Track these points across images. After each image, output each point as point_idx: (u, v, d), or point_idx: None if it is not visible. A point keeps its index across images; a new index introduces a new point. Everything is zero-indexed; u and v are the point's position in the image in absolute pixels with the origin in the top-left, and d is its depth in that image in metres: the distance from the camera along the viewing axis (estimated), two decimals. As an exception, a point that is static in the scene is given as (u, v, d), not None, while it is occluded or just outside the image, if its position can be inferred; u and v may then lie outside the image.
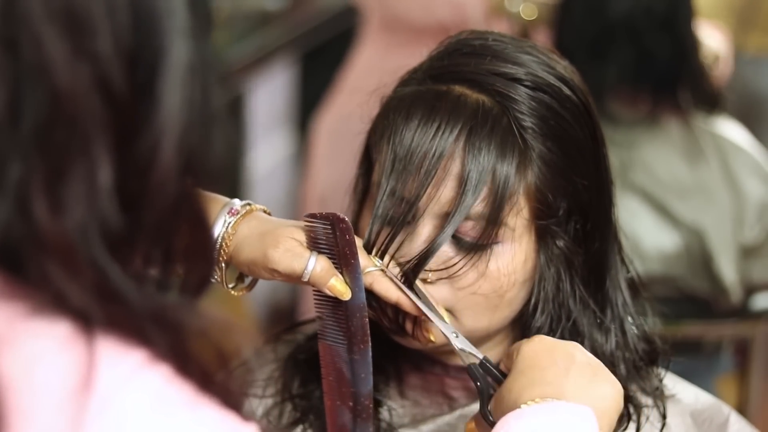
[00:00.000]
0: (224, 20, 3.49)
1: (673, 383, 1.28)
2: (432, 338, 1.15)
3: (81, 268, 0.73)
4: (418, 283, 1.16)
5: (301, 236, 1.13)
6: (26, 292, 0.74)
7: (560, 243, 1.19)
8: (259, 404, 1.26)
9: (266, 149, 3.91)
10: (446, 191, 1.15)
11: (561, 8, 2.27)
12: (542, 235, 1.18)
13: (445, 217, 1.15)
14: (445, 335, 1.14)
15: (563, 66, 1.21)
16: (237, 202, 1.17)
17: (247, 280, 1.19)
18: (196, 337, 0.76)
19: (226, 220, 1.15)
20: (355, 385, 1.13)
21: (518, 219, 1.16)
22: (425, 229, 1.16)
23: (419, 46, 1.26)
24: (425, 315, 1.13)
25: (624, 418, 1.20)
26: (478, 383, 1.10)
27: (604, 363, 1.19)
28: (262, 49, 3.46)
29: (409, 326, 1.16)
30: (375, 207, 1.16)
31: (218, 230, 1.15)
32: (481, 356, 1.12)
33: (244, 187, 3.69)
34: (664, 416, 1.23)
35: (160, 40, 0.75)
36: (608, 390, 1.06)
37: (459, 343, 1.14)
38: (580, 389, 1.04)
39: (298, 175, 3.69)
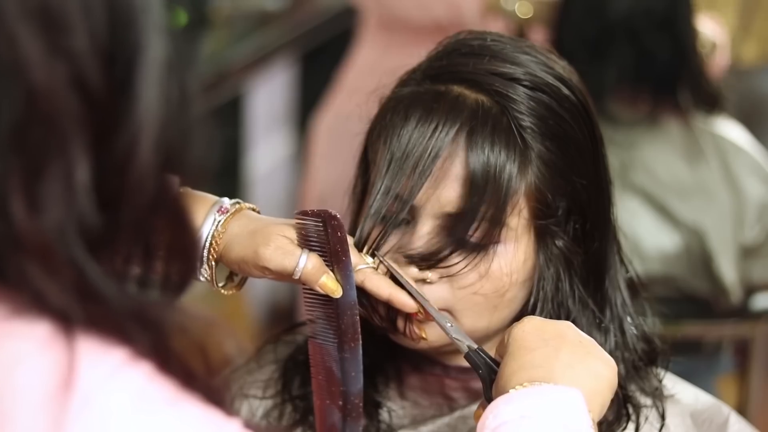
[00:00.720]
0: (224, 20, 3.49)
1: (672, 383, 1.28)
2: (424, 335, 1.15)
3: (60, 268, 0.72)
4: (416, 284, 1.16)
5: (292, 234, 1.13)
6: (5, 293, 0.73)
7: (559, 243, 1.19)
8: (259, 405, 1.26)
9: (266, 149, 3.91)
10: (446, 191, 1.14)
11: (561, 8, 2.26)
12: (541, 235, 1.18)
13: (445, 217, 1.15)
14: (439, 324, 1.13)
15: (562, 66, 1.21)
16: (226, 201, 1.17)
17: (237, 279, 1.19)
18: (178, 335, 0.76)
19: (216, 219, 1.15)
20: (345, 384, 1.13)
21: (518, 219, 1.16)
22: (424, 229, 1.16)
23: (417, 46, 1.26)
24: (419, 309, 1.13)
25: (623, 418, 1.20)
26: (480, 370, 1.10)
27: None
28: (261, 49, 3.46)
29: (401, 324, 1.16)
30: (369, 205, 1.16)
31: (208, 229, 1.15)
32: (475, 346, 1.12)
33: (244, 187, 3.69)
34: (663, 416, 1.23)
35: (137, 37, 0.75)
36: (601, 368, 1.05)
37: (453, 332, 1.13)
38: (570, 369, 1.03)
39: (297, 174, 3.69)
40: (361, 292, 1.14)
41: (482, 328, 1.18)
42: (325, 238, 1.12)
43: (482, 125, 1.14)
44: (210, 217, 1.15)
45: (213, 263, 1.15)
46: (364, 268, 1.15)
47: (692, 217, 2.20)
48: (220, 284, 1.18)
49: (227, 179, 3.62)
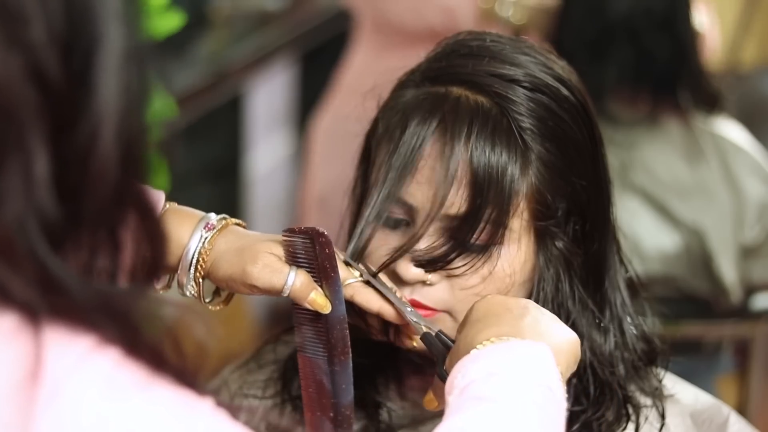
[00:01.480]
0: (224, 20, 3.49)
1: (672, 383, 1.28)
2: (415, 344, 1.15)
3: (21, 261, 0.72)
4: (417, 286, 1.16)
5: (279, 251, 1.13)
6: None
7: (559, 244, 1.19)
8: (258, 405, 1.26)
9: (266, 149, 3.91)
10: (447, 193, 1.14)
11: (560, 8, 2.26)
12: (541, 236, 1.18)
13: (447, 219, 1.15)
14: (399, 310, 1.13)
15: (561, 66, 1.21)
16: (213, 217, 1.17)
17: (224, 294, 1.19)
18: (148, 321, 0.76)
19: (203, 236, 1.15)
20: (336, 396, 1.13)
21: (519, 221, 1.16)
22: (426, 231, 1.15)
23: (412, 48, 1.26)
24: (406, 321, 1.13)
25: (623, 418, 1.20)
26: (434, 352, 1.10)
27: (603, 363, 1.19)
28: (261, 49, 3.46)
29: (392, 333, 1.17)
30: (368, 211, 1.16)
31: (194, 245, 1.14)
32: (435, 330, 1.12)
33: (244, 187, 3.69)
34: (663, 416, 1.23)
35: (95, 27, 0.74)
36: (565, 332, 1.06)
37: (413, 315, 1.13)
38: (535, 330, 1.03)
39: (297, 175, 3.69)
40: (351, 304, 1.14)
41: (482, 328, 1.18)
42: (313, 254, 1.12)
43: (483, 127, 1.14)
44: (196, 233, 1.15)
45: (200, 280, 1.15)
46: (353, 282, 1.15)
47: (692, 217, 2.20)
48: (207, 300, 1.18)
49: (227, 179, 3.62)
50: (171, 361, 0.76)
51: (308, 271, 1.13)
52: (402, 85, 1.21)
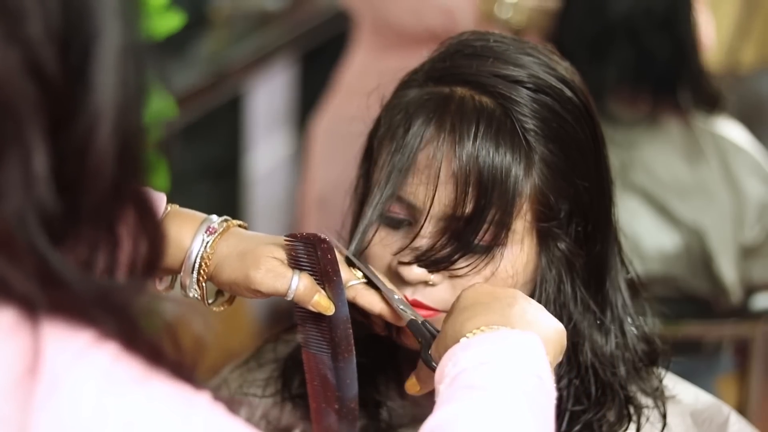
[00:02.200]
0: (224, 20, 3.49)
1: (673, 383, 1.28)
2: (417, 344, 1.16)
3: (21, 255, 0.73)
4: (418, 287, 1.16)
5: (281, 254, 1.13)
6: None
7: (561, 245, 1.19)
8: (258, 404, 1.26)
9: (266, 149, 3.91)
10: (450, 194, 1.14)
11: (561, 8, 2.26)
12: (544, 238, 1.18)
13: (450, 220, 1.15)
14: (386, 296, 1.14)
15: (564, 67, 1.21)
16: (215, 219, 1.17)
17: (227, 295, 1.19)
18: (146, 316, 0.76)
19: (204, 240, 1.15)
20: (341, 390, 1.14)
21: (522, 222, 1.16)
22: (429, 231, 1.15)
23: (412, 49, 1.26)
24: (393, 308, 1.14)
25: (624, 419, 1.20)
26: (419, 338, 1.10)
27: (604, 364, 1.19)
28: (261, 49, 3.46)
29: (394, 332, 1.17)
30: (370, 210, 1.16)
31: (196, 249, 1.15)
32: (421, 319, 1.13)
33: (244, 187, 3.69)
34: (664, 416, 1.23)
35: (92, 23, 0.74)
36: (552, 321, 1.07)
37: (401, 304, 1.14)
38: (523, 319, 1.04)
39: (297, 175, 3.69)
40: (354, 305, 1.15)
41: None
42: (315, 259, 1.12)
43: (487, 128, 1.14)
44: (198, 237, 1.15)
45: (203, 284, 1.15)
46: (356, 284, 1.15)
47: (692, 217, 2.20)
48: (210, 301, 1.18)
49: (227, 179, 3.62)
50: (169, 355, 0.77)
51: (311, 274, 1.13)
52: (405, 85, 1.21)
